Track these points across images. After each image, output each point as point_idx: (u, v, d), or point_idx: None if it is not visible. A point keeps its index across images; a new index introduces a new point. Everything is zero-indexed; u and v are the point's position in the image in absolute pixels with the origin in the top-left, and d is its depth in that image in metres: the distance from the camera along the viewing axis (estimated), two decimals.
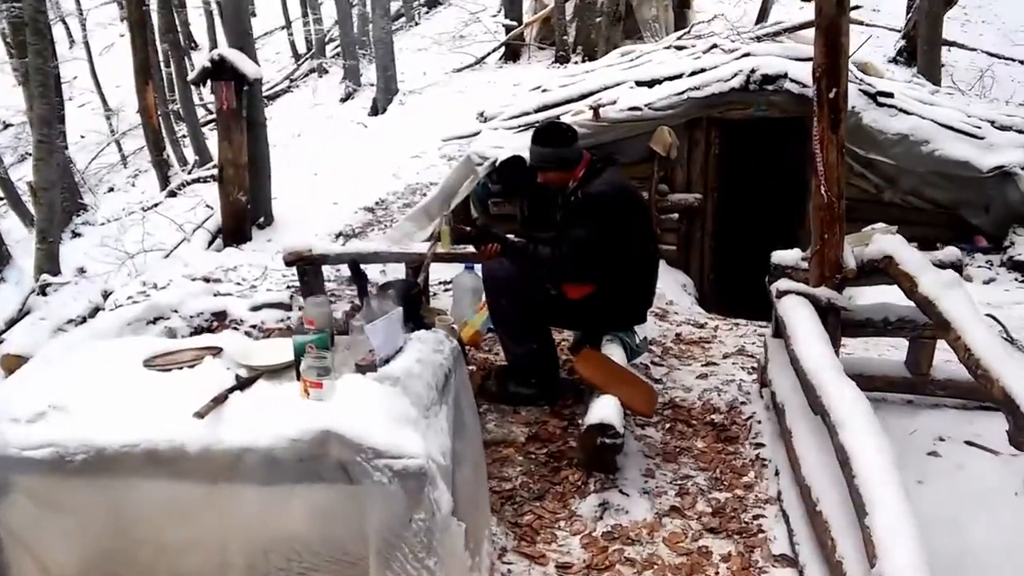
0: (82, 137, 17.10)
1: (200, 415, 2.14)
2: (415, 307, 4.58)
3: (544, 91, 9.46)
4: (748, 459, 3.82)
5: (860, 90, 6.39)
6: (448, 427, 2.59)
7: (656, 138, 6.55)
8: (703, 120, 6.74)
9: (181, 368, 2.50)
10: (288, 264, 5.56)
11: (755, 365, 4.81)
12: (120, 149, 16.66)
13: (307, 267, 5.55)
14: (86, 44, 17.29)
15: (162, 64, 14.31)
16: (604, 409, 3.44)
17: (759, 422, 4.11)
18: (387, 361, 2.64)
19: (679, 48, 8.77)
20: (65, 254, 9.34)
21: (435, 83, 16.06)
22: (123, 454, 2.16)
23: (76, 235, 12.35)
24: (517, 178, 6.58)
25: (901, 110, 6.37)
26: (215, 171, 11.28)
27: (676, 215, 6.81)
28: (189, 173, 12.96)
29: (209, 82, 7.33)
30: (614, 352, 4.05)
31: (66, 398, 2.34)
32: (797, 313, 3.74)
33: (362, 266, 6.10)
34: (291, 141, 12.83)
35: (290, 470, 2.16)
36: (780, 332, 4.16)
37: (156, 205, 11.82)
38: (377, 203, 8.97)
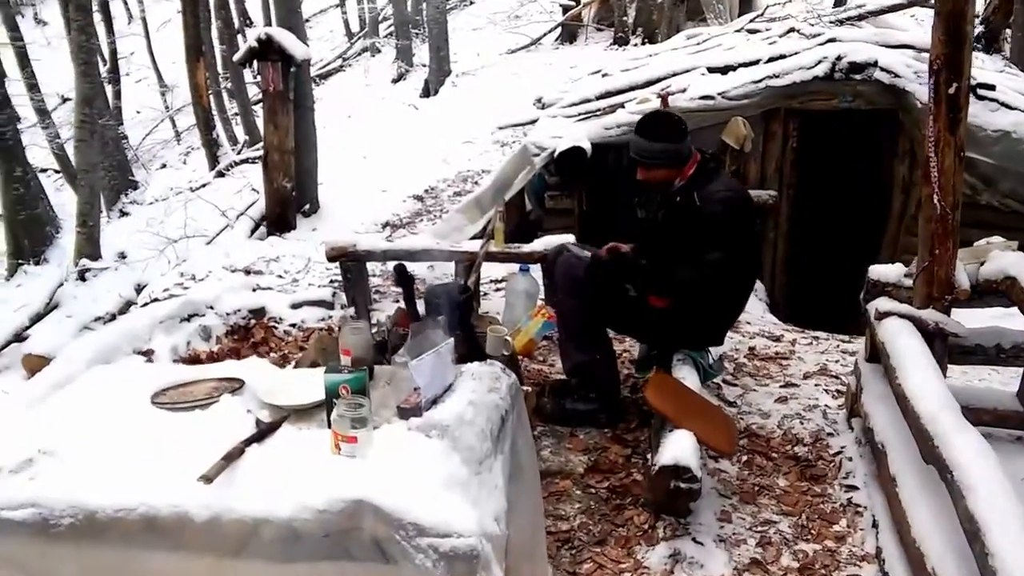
0: (137, 112, 17.10)
1: (208, 479, 1.76)
2: (465, 313, 4.22)
3: (604, 75, 9.00)
4: (839, 503, 3.36)
5: None
6: (503, 481, 2.18)
7: (729, 129, 6.05)
8: (781, 111, 6.22)
9: (193, 408, 2.13)
10: (331, 260, 5.21)
11: (840, 388, 4.34)
12: (174, 125, 16.63)
13: (350, 263, 5.19)
14: (143, 19, 17.19)
15: (216, 41, 14.10)
16: (679, 448, 3.01)
17: (849, 459, 3.64)
18: (434, 402, 2.25)
19: (751, 32, 8.21)
20: (109, 236, 9.16)
21: (489, 65, 15.61)
22: (118, 520, 1.79)
23: (124, 214, 12.24)
24: (577, 170, 6.16)
25: (1003, 104, 5.77)
26: (262, 152, 11.08)
27: None
28: (238, 153, 12.75)
29: (256, 62, 6.98)
30: (687, 376, 3.61)
31: (59, 442, 1.99)
32: (904, 341, 3.26)
33: (408, 265, 5.82)
34: (341, 123, 12.51)
35: (314, 546, 1.78)
36: (877, 357, 3.70)
37: (204, 186, 11.63)
38: (427, 191, 8.59)
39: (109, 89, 14.73)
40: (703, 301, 3.61)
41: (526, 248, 5.09)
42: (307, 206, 7.50)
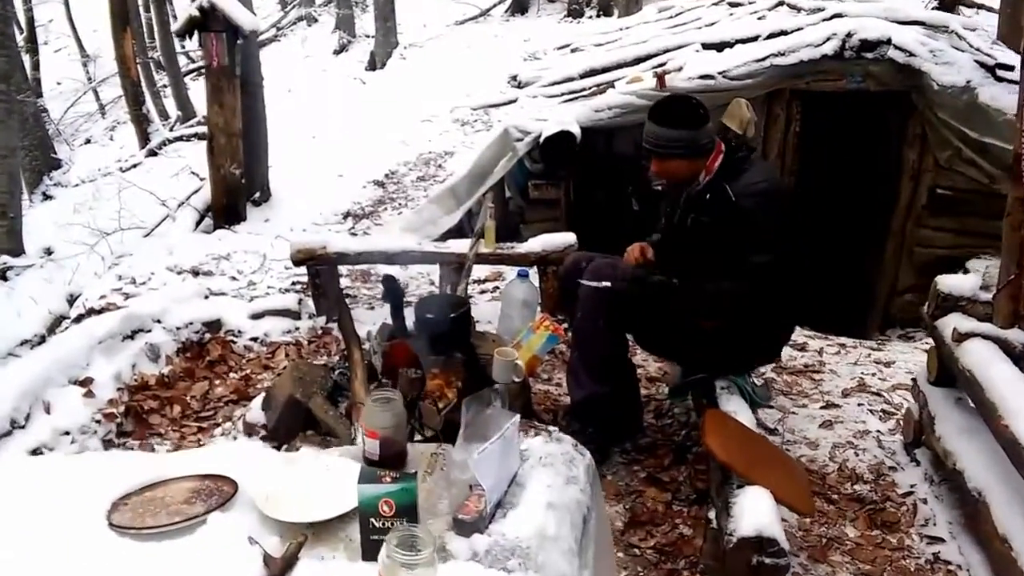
0: (58, 84, 16.04)
1: None
2: (464, 331, 3.64)
3: (574, 50, 8.42)
4: (923, 559, 2.89)
5: (976, 61, 5.38)
6: None
7: (731, 112, 5.44)
8: (785, 92, 5.70)
9: (171, 535, 1.50)
10: (297, 264, 4.55)
11: (886, 408, 3.88)
12: (98, 98, 15.57)
13: (320, 267, 4.53)
14: None
15: (141, 8, 13.06)
16: (759, 514, 2.47)
17: (923, 501, 3.17)
18: (499, 504, 1.67)
19: (733, 4, 7.67)
20: (32, 224, 8.26)
21: (437, 36, 14.86)
22: None
23: (47, 197, 11.26)
24: (564, 157, 5.57)
25: None
26: (199, 129, 10.17)
27: None
28: (171, 130, 11.85)
29: (197, 34, 6.18)
30: (739, 411, 3.08)
31: None
32: (999, 371, 2.78)
33: (384, 269, 5.17)
34: (282, 99, 11.63)
35: None
36: (947, 380, 3.25)
37: (135, 166, 10.76)
38: (387, 176, 7.88)
39: (27, 59, 13.64)
40: (757, 315, 3.08)
41: (521, 248, 4.51)
42: (257, 194, 6.75)
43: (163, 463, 1.74)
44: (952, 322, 3.13)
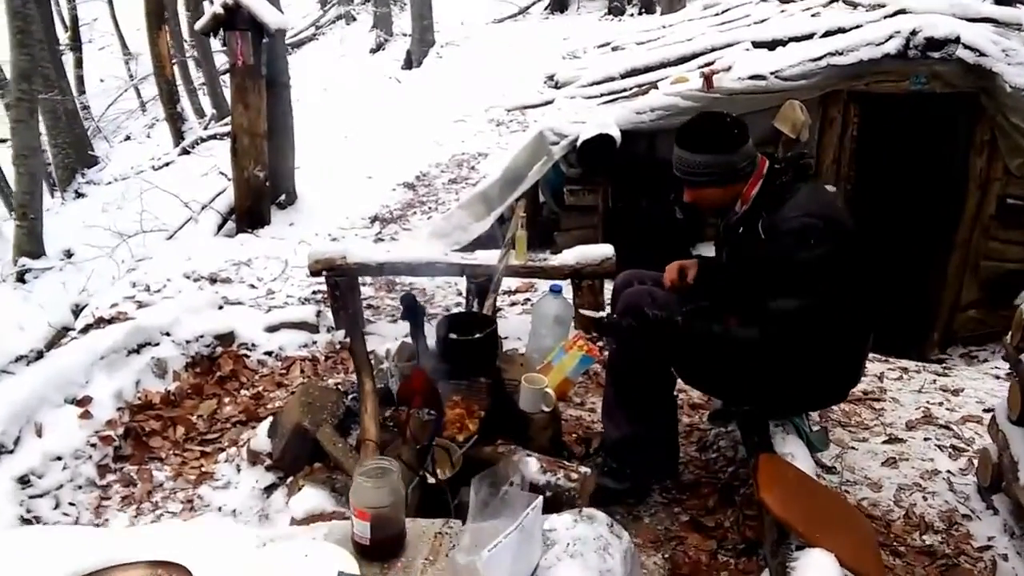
0: (101, 81, 16.11)
1: None
2: (489, 354, 3.34)
3: (615, 49, 8.07)
4: None
5: None
6: None
7: (784, 115, 5.15)
8: (842, 94, 5.30)
9: None
10: (315, 274, 4.27)
11: (956, 444, 3.49)
12: (139, 95, 15.64)
13: (339, 278, 4.25)
14: None
15: (181, 5, 12.97)
16: None
17: (1003, 557, 2.79)
18: None
19: (784, 0, 7.27)
20: (60, 224, 8.16)
21: (474, 34, 14.60)
22: None
23: (80, 195, 11.19)
24: (603, 162, 5.24)
25: None
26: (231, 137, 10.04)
27: None
28: (205, 128, 11.75)
29: (222, 32, 5.96)
30: (797, 454, 2.72)
31: None
32: None
33: (409, 279, 4.86)
34: (316, 98, 11.44)
35: None
36: None
37: (167, 165, 10.68)
38: (418, 177, 7.61)
39: (70, 57, 13.72)
40: (811, 358, 2.69)
41: (554, 261, 4.18)
42: (283, 197, 6.51)
43: (113, 543, 1.44)
44: None
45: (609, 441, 3.02)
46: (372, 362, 3.76)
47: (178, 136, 11.16)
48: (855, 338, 2.80)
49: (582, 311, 2.91)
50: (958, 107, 5.26)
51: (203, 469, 3.33)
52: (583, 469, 2.70)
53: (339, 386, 3.67)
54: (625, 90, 5.65)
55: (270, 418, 3.34)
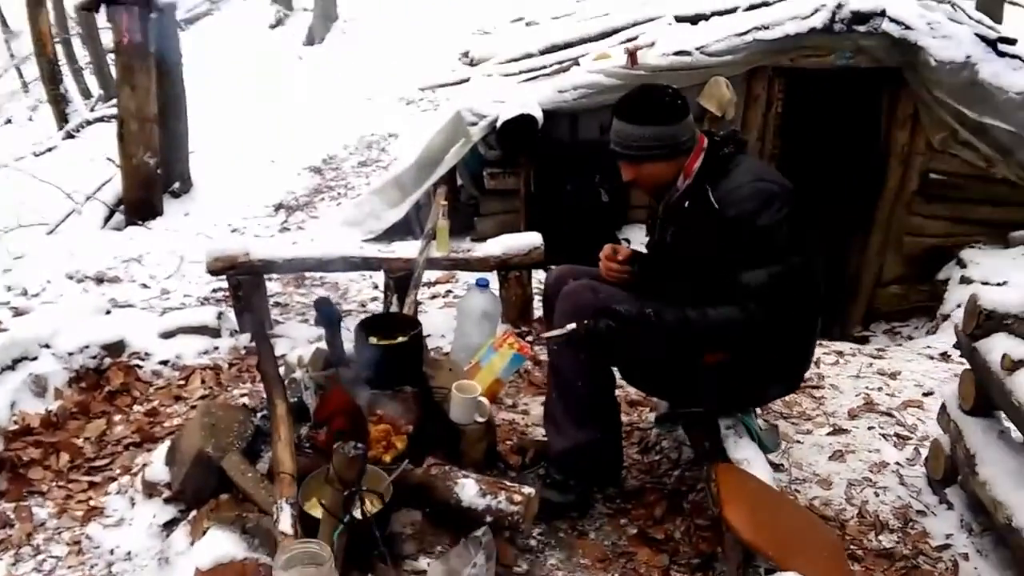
0: None
1: None
2: (414, 359, 3.05)
3: (529, 24, 7.80)
4: None
5: (977, 35, 4.90)
6: None
7: (709, 92, 4.98)
8: (767, 70, 5.17)
9: None
10: (215, 274, 3.88)
11: (900, 432, 3.38)
12: (21, 76, 14.58)
13: (242, 276, 3.87)
14: None
15: None
16: None
17: (964, 556, 2.66)
18: None
19: None
20: None
21: (379, 9, 14.06)
22: None
23: None
24: (525, 143, 4.97)
25: None
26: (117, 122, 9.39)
27: None
28: (91, 110, 11.01)
29: (103, 8, 5.42)
30: (753, 461, 2.53)
31: None
32: None
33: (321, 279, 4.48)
34: (211, 78, 10.78)
35: None
36: (985, 410, 2.75)
37: (50, 150, 9.95)
38: (325, 161, 7.18)
39: None
40: (766, 343, 2.51)
41: (479, 252, 3.90)
42: (176, 185, 6.02)
43: None
44: (1001, 346, 2.61)
45: (554, 452, 2.76)
46: (283, 371, 3.43)
47: (62, 119, 10.41)
48: (811, 314, 2.63)
49: (545, 335, 2.65)
50: (881, 82, 5.18)
51: (92, 503, 2.92)
52: (527, 490, 2.44)
53: (246, 402, 3.31)
54: (545, 67, 5.39)
55: (167, 441, 2.96)
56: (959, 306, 4.80)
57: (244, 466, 2.61)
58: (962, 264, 5.04)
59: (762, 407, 3.02)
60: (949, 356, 4.15)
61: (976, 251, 5.12)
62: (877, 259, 5.59)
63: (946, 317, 4.78)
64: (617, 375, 2.81)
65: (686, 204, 2.52)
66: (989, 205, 5.21)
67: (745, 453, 2.58)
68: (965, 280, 4.86)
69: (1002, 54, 4.88)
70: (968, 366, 2.83)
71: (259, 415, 2.95)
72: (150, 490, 2.84)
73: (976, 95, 4.87)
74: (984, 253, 5.08)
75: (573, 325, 2.51)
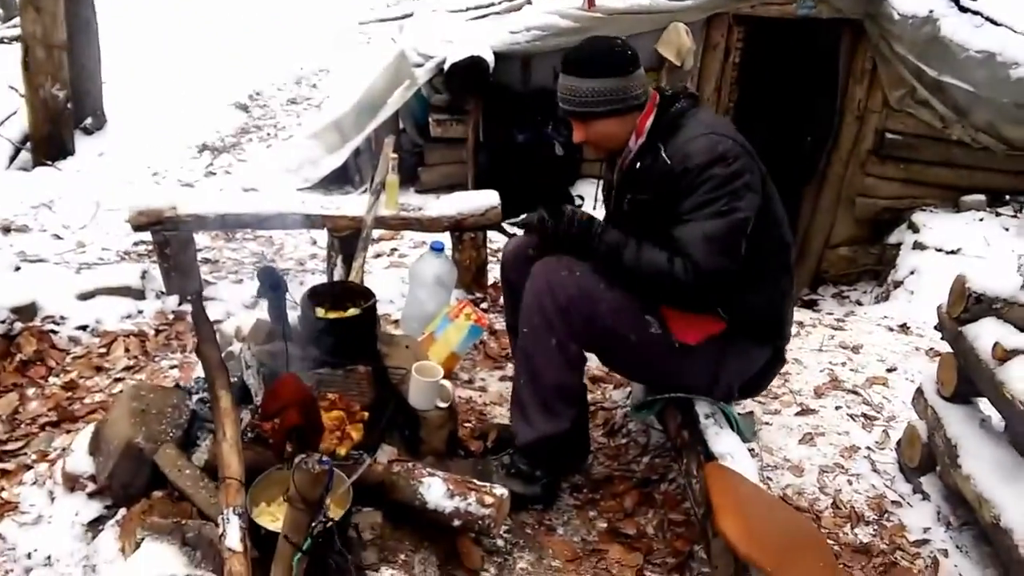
0: None
1: None
2: (367, 337, 2.80)
3: None
4: None
5: None
6: None
7: (668, 40, 4.75)
8: (727, 17, 4.94)
9: None
10: (138, 229, 3.52)
11: (866, 409, 3.29)
12: None
13: (169, 233, 3.52)
14: None
15: None
16: None
17: (943, 552, 2.58)
18: None
19: None
20: None
21: None
22: None
23: None
24: (475, 87, 4.66)
25: (989, 20, 4.78)
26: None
27: None
28: None
29: None
30: (735, 453, 2.38)
31: None
32: None
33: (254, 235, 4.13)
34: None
35: None
36: (962, 396, 2.68)
37: None
38: (252, 97, 6.72)
39: None
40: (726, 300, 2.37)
41: (431, 211, 3.63)
42: (89, 120, 5.52)
43: None
44: (990, 332, 2.49)
45: (521, 442, 2.57)
46: (219, 342, 3.14)
47: None
48: (776, 272, 2.49)
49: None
50: (840, 33, 5.02)
51: (4, 496, 2.61)
52: (498, 490, 2.24)
53: (176, 375, 3.02)
54: (495, 4, 5.04)
55: (90, 426, 2.65)
56: (912, 272, 4.76)
57: (181, 461, 2.34)
58: (914, 228, 4.98)
59: (755, 393, 2.86)
60: (908, 328, 4.09)
61: (928, 215, 5.06)
62: (827, 219, 5.50)
63: (898, 284, 4.72)
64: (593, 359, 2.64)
65: (638, 165, 2.38)
66: (943, 167, 5.15)
67: (728, 446, 2.42)
68: (918, 246, 4.79)
69: (964, 9, 4.76)
70: (950, 350, 2.74)
71: (195, 398, 2.66)
72: (71, 483, 2.53)
73: (936, 52, 4.76)
74: (936, 217, 5.02)
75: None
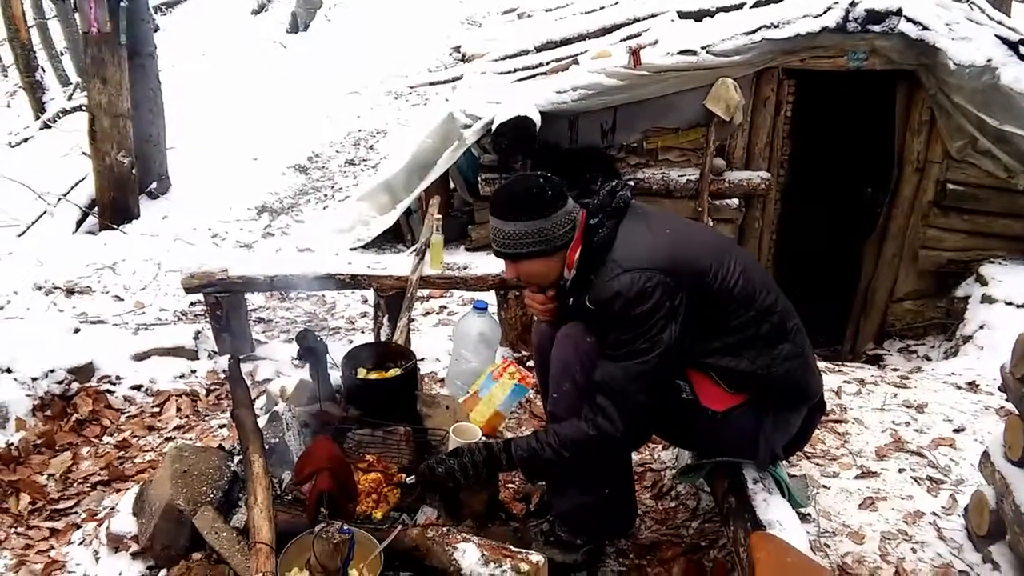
0: None
1: None
2: (408, 397, 2.79)
3: (521, 15, 7.48)
4: None
5: (998, 36, 4.65)
6: None
7: (717, 95, 4.71)
8: (776, 71, 4.89)
9: None
10: (191, 291, 3.59)
11: (932, 472, 3.13)
12: None
13: (221, 295, 3.58)
14: None
15: None
16: None
17: None
18: None
19: None
20: None
21: None
22: None
23: None
24: (522, 147, 4.69)
25: None
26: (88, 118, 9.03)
27: (736, 201, 5.00)
28: (69, 99, 10.64)
29: None
30: (785, 521, 2.27)
31: None
32: None
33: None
34: (190, 68, 10.41)
35: None
36: None
37: (26, 140, 9.62)
38: (311, 159, 6.88)
39: None
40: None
41: (475, 269, 3.63)
42: (154, 185, 5.71)
43: None
44: None
45: (558, 510, 2.50)
46: (264, 401, 3.16)
47: (39, 108, 10.05)
48: (782, 346, 2.34)
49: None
50: (896, 85, 4.93)
51: (52, 555, 2.65)
52: (535, 557, 2.18)
53: (224, 435, 3.04)
54: (542, 65, 5.09)
55: (136, 486, 2.68)
56: (981, 327, 4.57)
57: (218, 523, 2.33)
58: (982, 281, 4.79)
59: (802, 446, 2.73)
60: (977, 386, 3.90)
61: (996, 267, 4.87)
62: (891, 273, 5.33)
63: (967, 339, 4.53)
64: None
65: (571, 301, 2.35)
66: (1010, 218, 4.96)
67: (777, 514, 2.31)
68: (987, 299, 4.60)
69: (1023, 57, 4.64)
70: (1016, 411, 2.60)
71: (237, 459, 2.67)
72: (116, 543, 2.56)
73: (997, 101, 4.62)
74: (1005, 269, 4.83)
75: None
